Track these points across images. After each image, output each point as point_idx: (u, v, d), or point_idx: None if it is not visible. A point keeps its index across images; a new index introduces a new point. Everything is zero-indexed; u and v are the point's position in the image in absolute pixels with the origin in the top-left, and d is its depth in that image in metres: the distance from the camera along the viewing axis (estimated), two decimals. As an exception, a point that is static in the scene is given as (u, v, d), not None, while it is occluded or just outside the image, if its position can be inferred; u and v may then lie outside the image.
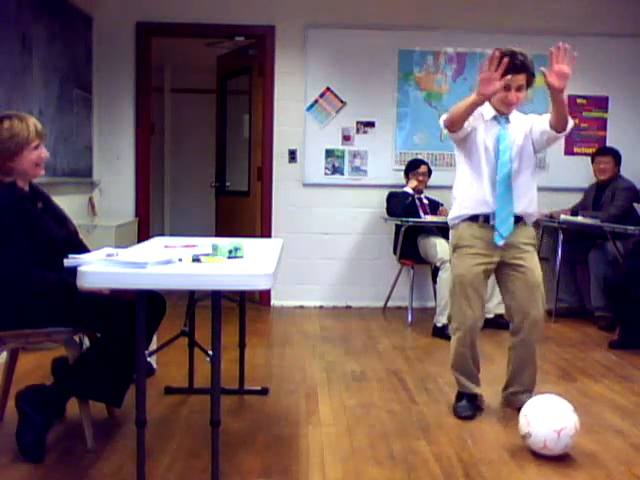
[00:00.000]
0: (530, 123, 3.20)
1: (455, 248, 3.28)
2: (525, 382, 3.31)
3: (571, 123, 3.10)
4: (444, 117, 3.16)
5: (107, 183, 5.83)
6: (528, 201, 3.22)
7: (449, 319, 3.35)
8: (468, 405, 3.28)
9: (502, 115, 3.19)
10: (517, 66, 3.02)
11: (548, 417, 2.75)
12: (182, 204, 7.94)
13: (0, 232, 2.62)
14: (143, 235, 5.72)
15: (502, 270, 3.25)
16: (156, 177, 7.06)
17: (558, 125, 3.07)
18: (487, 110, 3.18)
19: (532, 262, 3.24)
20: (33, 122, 2.75)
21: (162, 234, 6.36)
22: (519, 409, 2.93)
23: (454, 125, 3.11)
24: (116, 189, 5.85)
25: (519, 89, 3.10)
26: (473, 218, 3.21)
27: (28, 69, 4.32)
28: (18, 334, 2.74)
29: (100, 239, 4.41)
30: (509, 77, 2.96)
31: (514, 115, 3.23)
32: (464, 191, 3.25)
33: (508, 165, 3.15)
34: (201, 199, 7.51)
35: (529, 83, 3.12)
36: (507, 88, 3.07)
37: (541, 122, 3.15)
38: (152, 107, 6.19)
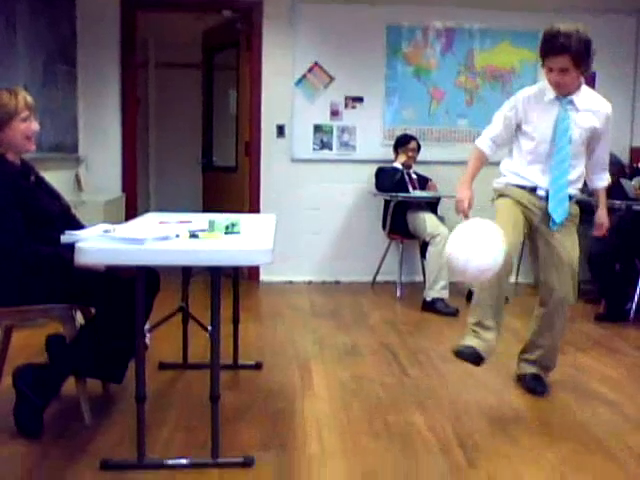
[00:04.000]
0: (600, 121, 3.11)
1: (501, 195, 3.19)
2: (536, 356, 3.27)
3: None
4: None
5: (93, 159, 5.78)
6: (579, 182, 3.18)
7: None
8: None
9: (563, 96, 3.07)
10: (556, 48, 2.92)
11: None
12: (168, 180, 7.85)
13: (-6, 207, 2.60)
14: (130, 211, 5.69)
15: (537, 239, 3.18)
16: (141, 153, 6.99)
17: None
18: (548, 91, 3.09)
19: (568, 239, 3.14)
20: (23, 95, 2.77)
21: (148, 210, 6.30)
22: (520, 379, 3.22)
23: None
24: (102, 165, 5.80)
25: (562, 71, 2.96)
26: (522, 186, 3.16)
27: (12, 44, 4.24)
28: (15, 311, 2.72)
29: (89, 215, 4.36)
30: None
31: (586, 97, 3.11)
32: (514, 168, 3.19)
33: (566, 148, 3.06)
34: (187, 175, 7.44)
35: (578, 63, 2.95)
36: (549, 70, 3.00)
37: (603, 141, 3.17)
38: (137, 82, 6.12)
